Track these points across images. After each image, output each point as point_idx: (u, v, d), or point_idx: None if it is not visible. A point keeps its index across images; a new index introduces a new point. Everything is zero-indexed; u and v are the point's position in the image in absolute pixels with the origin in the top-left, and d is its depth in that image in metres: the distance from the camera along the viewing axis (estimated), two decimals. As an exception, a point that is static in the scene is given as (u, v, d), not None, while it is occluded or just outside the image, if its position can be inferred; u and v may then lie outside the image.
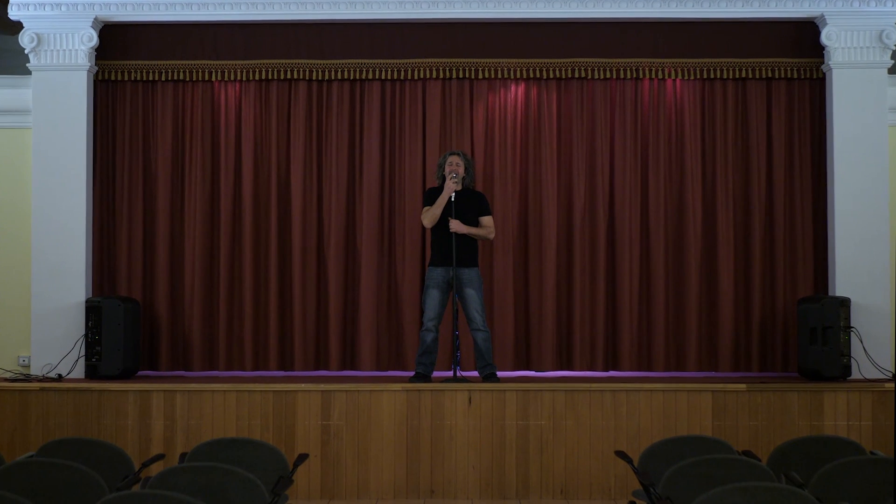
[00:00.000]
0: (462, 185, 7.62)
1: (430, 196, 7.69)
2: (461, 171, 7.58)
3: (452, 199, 7.52)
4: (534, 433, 7.22)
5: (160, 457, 5.93)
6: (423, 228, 8.30)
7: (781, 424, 7.33)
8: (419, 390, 7.28)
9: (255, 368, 8.64)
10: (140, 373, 8.47)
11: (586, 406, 7.25)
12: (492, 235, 7.72)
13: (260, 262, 8.71)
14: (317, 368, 8.67)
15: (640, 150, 8.72)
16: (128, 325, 8.10)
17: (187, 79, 8.70)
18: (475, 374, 7.74)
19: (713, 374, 8.53)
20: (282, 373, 8.61)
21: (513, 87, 8.78)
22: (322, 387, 7.31)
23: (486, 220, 7.68)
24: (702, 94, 8.73)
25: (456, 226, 7.45)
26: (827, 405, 7.35)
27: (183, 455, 5.36)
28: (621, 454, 5.58)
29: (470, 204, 7.67)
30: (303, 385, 7.37)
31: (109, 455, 5.15)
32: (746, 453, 5.31)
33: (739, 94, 8.73)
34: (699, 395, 7.31)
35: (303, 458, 5.53)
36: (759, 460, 5.01)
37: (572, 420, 7.24)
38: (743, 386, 7.40)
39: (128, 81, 8.74)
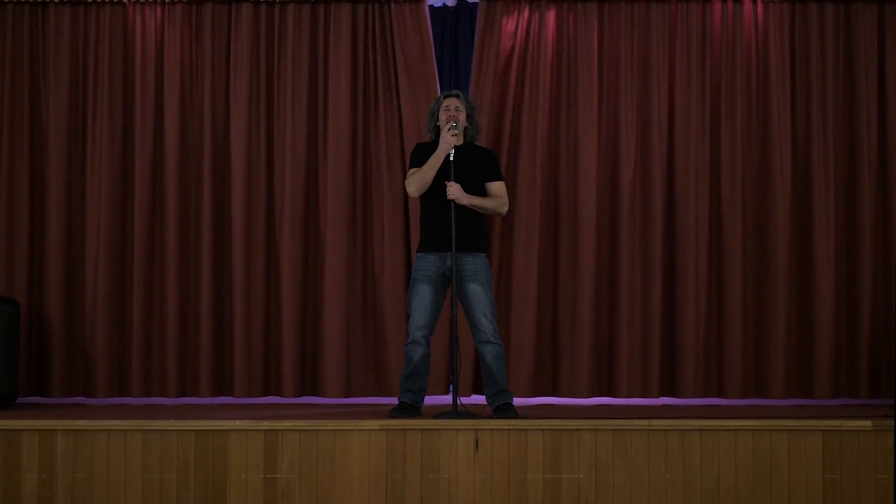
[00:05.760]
0: (464, 138, 6.69)
1: (420, 154, 6.72)
2: (462, 118, 6.67)
3: (451, 159, 6.52)
4: (568, 491, 6.27)
5: None
6: (410, 201, 7.61)
7: (920, 478, 6.29)
8: (404, 429, 6.35)
9: (182, 394, 7.88)
10: (22, 400, 7.68)
11: (643, 452, 6.31)
12: (504, 209, 6.81)
13: (189, 250, 7.94)
14: (265, 394, 7.89)
15: (709, 98, 7.91)
16: (4, 334, 7.32)
17: (90, -1, 7.97)
18: (482, 401, 6.88)
19: (806, 401, 7.75)
20: (218, 400, 7.83)
21: (537, 11, 7.94)
22: (265, 424, 6.30)
23: (497, 186, 6.73)
24: (791, 19, 7.94)
25: (456, 192, 6.47)
26: (983, 450, 6.32)
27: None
28: None
29: (474, 165, 6.69)
30: (237, 422, 6.32)
31: None
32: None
33: (841, 20, 7.93)
34: (804, 435, 6.30)
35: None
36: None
37: (623, 473, 6.29)
38: (868, 423, 6.26)
39: (8, 2, 7.94)
